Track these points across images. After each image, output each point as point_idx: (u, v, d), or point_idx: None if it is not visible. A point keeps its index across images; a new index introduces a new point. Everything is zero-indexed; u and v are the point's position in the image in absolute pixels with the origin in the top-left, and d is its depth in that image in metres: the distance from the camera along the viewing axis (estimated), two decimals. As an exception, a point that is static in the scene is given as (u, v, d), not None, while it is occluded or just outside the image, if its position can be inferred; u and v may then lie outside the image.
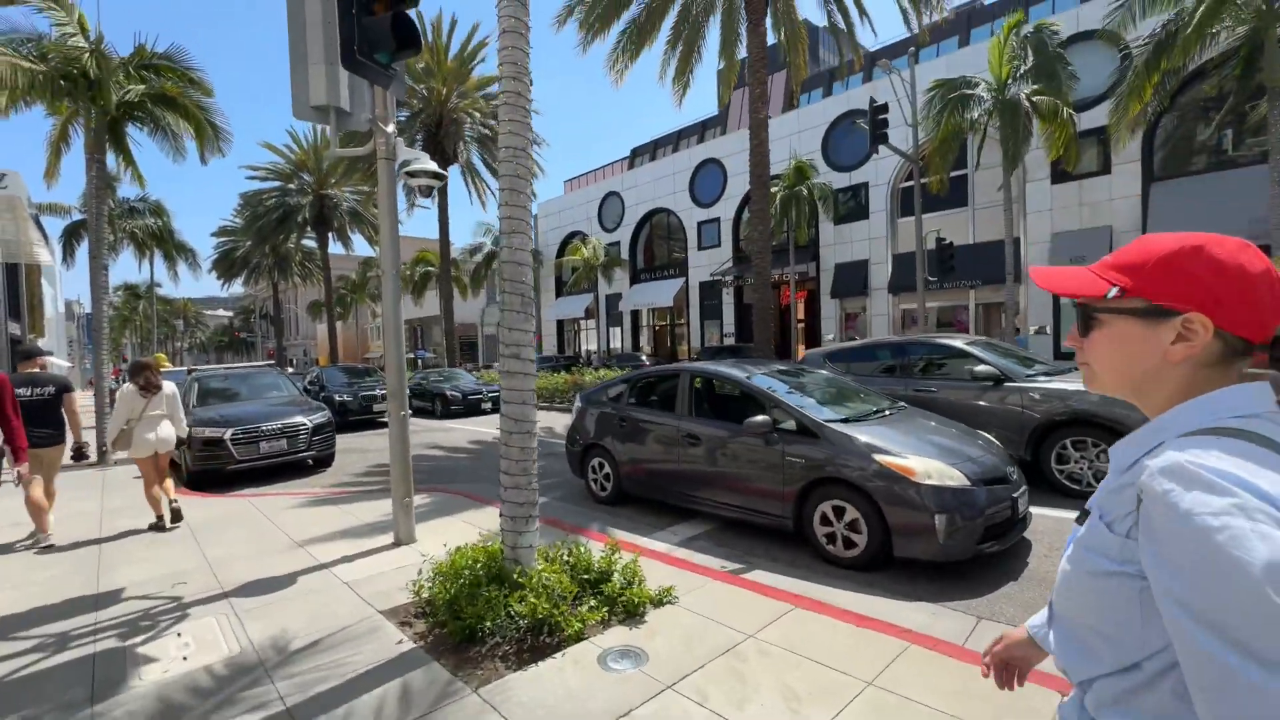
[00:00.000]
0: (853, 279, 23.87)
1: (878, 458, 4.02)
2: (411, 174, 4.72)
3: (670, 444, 5.38)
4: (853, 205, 23.77)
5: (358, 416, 13.45)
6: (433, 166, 4.77)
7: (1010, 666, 1.12)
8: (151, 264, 31.89)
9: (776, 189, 22.33)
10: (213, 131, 10.51)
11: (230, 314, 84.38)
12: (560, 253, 37.64)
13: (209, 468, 7.77)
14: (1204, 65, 13.70)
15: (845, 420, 4.54)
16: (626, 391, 6.07)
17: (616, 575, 3.50)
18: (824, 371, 6.28)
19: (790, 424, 4.56)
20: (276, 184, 30.52)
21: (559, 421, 13.02)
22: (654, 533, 5.20)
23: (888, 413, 4.87)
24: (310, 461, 8.79)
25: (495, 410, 13.91)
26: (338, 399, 13.34)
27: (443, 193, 22.62)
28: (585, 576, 3.49)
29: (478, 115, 21.43)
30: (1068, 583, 0.80)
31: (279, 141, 30.10)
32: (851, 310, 24.81)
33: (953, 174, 20.39)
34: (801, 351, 26.33)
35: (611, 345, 34.78)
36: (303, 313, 63.72)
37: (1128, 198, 17.86)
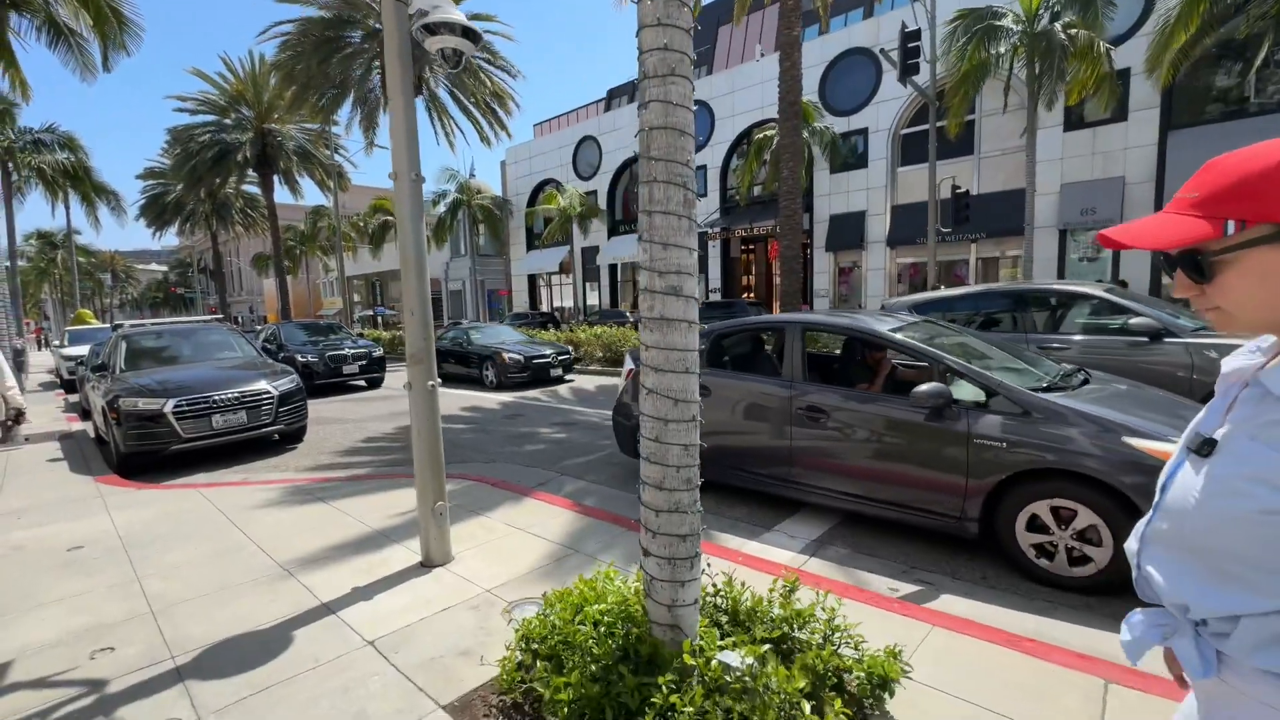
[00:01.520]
0: (849, 231, 22.79)
1: (1133, 441, 2.85)
2: (430, 29, 3.15)
3: (776, 418, 4.12)
4: (851, 153, 22.44)
5: (325, 380, 11.71)
6: (460, 17, 3.20)
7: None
8: (67, 207, 28.27)
9: (772, 131, 20.82)
10: (116, 21, 8.30)
11: (165, 268, 78.20)
12: (531, 202, 35.33)
13: (145, 449, 6.13)
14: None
15: (1047, 390, 3.36)
16: (703, 350, 4.72)
17: (818, 628, 2.25)
18: (944, 325, 5.06)
19: (975, 395, 3.35)
20: (210, 118, 27.05)
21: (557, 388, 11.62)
22: (759, 533, 3.99)
23: (1083, 380, 3.71)
24: (276, 437, 7.21)
25: (562, 380, 11.94)
26: (300, 360, 11.55)
27: (407, 128, 20.13)
28: (766, 632, 2.22)
29: (446, 38, 18.88)
30: (1214, 518, 0.73)
31: (211, 69, 26.41)
32: (845, 264, 23.84)
33: (933, 125, 19.33)
34: (765, 307, 25.42)
35: (588, 301, 33.13)
36: (247, 266, 59.26)
37: (1143, 147, 17.11)
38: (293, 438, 7.57)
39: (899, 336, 3.76)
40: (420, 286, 3.28)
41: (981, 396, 3.33)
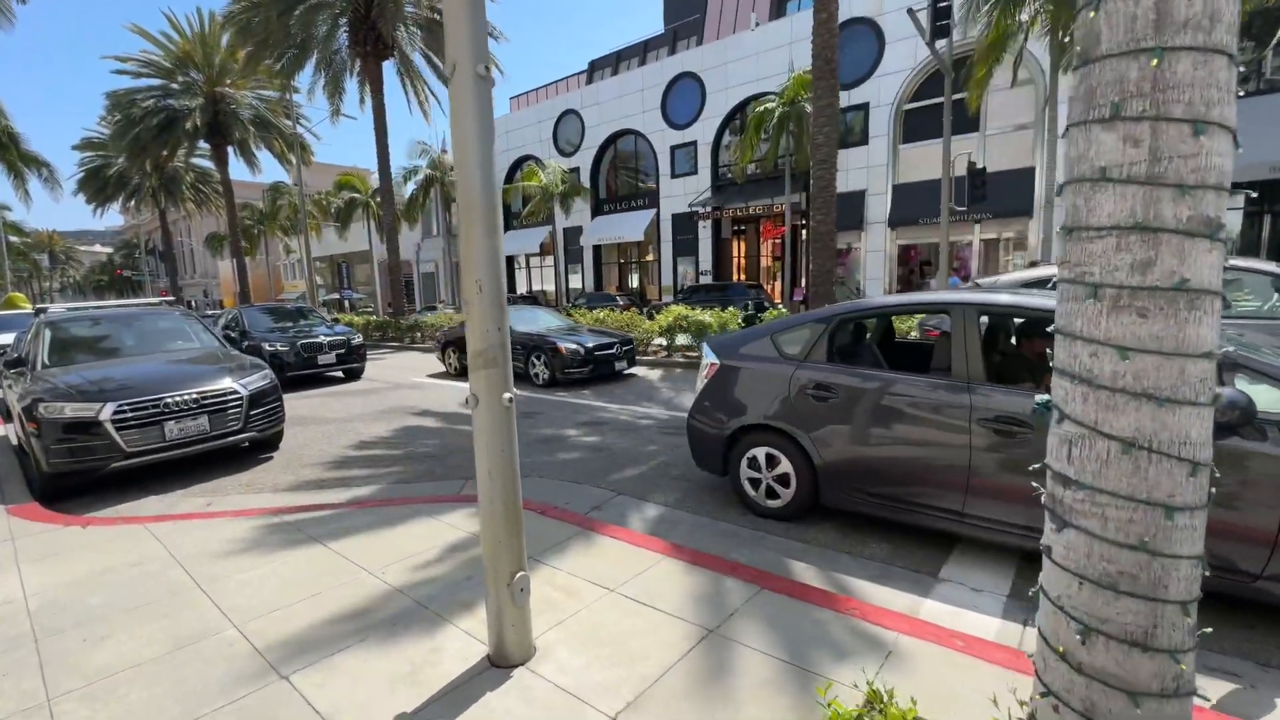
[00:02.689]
0: (848, 211, 21.86)
1: None
2: None
3: (944, 431, 3.09)
4: (851, 129, 21.51)
5: (297, 372, 10.28)
6: None
7: None
8: (-9, 179, 25.48)
9: (773, 104, 19.75)
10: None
11: (110, 250, 73.41)
12: (508, 179, 33.57)
13: (76, 468, 4.79)
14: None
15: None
16: (819, 339, 3.67)
17: None
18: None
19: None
20: (155, 82, 24.57)
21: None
22: (926, 584, 2.99)
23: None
24: (246, 444, 5.90)
25: (620, 375, 9.90)
26: (268, 349, 10.09)
27: (376, 87, 18.45)
28: None
29: (423, -7, 17.12)
30: None
31: (153, 27, 23.52)
32: (843, 245, 23.01)
33: (960, 96, 18.56)
34: (774, 292, 24.56)
35: (570, 284, 31.75)
36: (200, 247, 55.76)
37: (1157, 123, 16.58)
38: (266, 444, 6.28)
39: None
40: (491, 247, 2.12)
41: (1294, 407, 2.35)
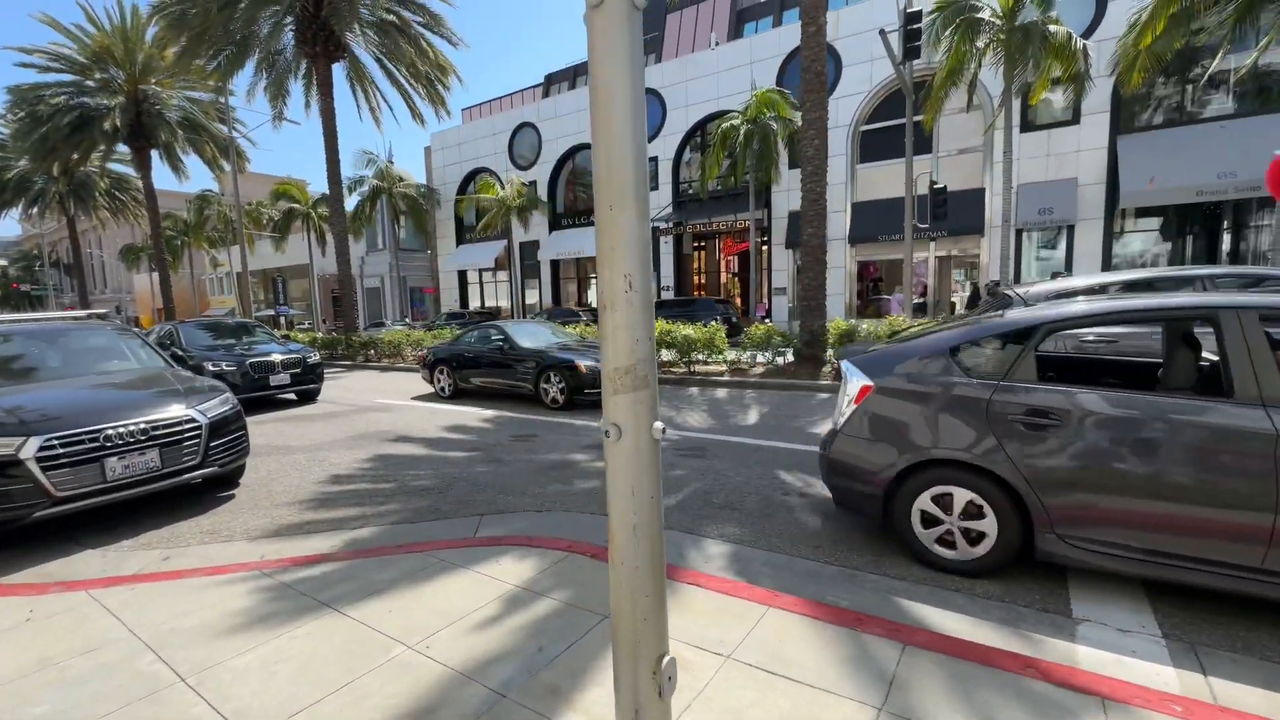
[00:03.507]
0: (808, 228, 22.26)
1: None
2: None
3: (1234, 465, 2.57)
4: (810, 147, 21.92)
5: (247, 394, 9.14)
6: None
7: None
8: None
9: (738, 121, 19.89)
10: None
11: (3, 262, 66.53)
12: (461, 192, 32.57)
13: (-10, 518, 3.86)
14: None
15: None
16: (1024, 354, 3.07)
17: None
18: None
19: None
20: (68, 78, 22.36)
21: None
22: (1069, 627, 2.63)
23: None
24: (199, 480, 5.00)
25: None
26: (211, 369, 8.96)
27: (326, 90, 17.37)
28: None
29: (379, -10, 16.23)
30: None
31: (67, 19, 21.03)
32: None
33: (898, 121, 19.30)
34: (734, 305, 24.65)
35: (526, 299, 30.88)
36: (111, 259, 51.33)
37: (1095, 149, 17.66)
38: (225, 480, 5.39)
39: None
40: (643, 235, 1.62)
41: None
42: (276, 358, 9.64)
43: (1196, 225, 17.92)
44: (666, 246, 25.80)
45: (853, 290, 22.49)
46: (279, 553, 3.84)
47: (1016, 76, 14.53)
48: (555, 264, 29.91)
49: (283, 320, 35.34)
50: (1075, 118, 17.86)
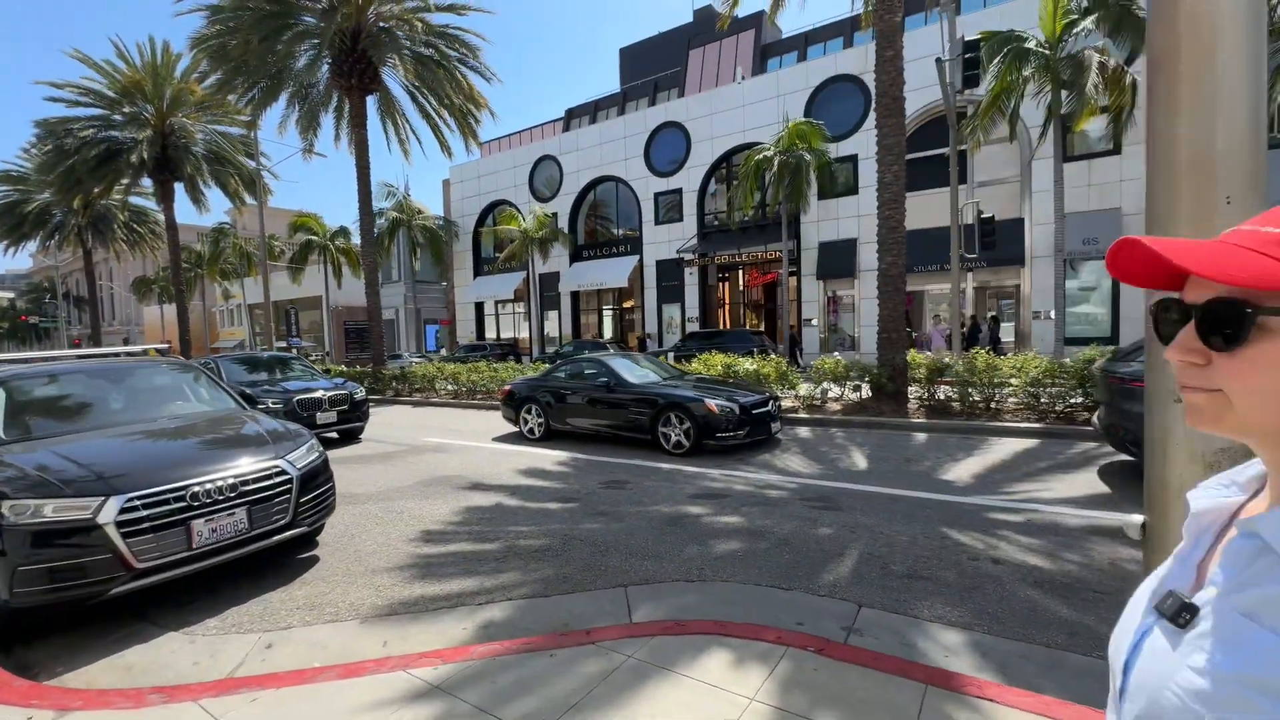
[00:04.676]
0: (840, 259, 21.99)
1: None
2: None
3: None
4: (840, 179, 21.77)
5: (292, 434, 8.55)
6: None
7: None
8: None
9: (771, 153, 19.71)
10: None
11: (11, 294, 66.46)
12: (480, 223, 32.47)
13: (54, 599, 3.21)
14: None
15: None
16: None
17: None
18: None
19: None
20: (96, 112, 22.35)
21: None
22: None
23: None
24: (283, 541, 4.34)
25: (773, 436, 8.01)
26: (259, 407, 8.36)
27: (360, 122, 17.22)
28: None
29: (418, 26, 16.19)
30: None
31: (98, 55, 21.35)
32: (838, 294, 22.98)
33: (938, 151, 19.18)
34: (767, 337, 24.12)
35: (546, 332, 30.43)
36: (121, 291, 51.22)
37: (1138, 179, 17.37)
38: (304, 538, 4.74)
39: None
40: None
41: None
42: (322, 394, 9.05)
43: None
44: (692, 278, 25.49)
45: (887, 322, 22.04)
46: (404, 639, 3.19)
47: (1067, 104, 14.30)
48: (575, 295, 29.56)
49: (296, 352, 34.89)
50: (1117, 148, 17.67)
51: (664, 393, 7.72)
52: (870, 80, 21.10)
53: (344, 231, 32.89)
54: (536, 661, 2.77)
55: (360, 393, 9.61)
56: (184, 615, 3.62)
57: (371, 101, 18.81)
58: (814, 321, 22.64)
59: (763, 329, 25.51)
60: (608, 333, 29.78)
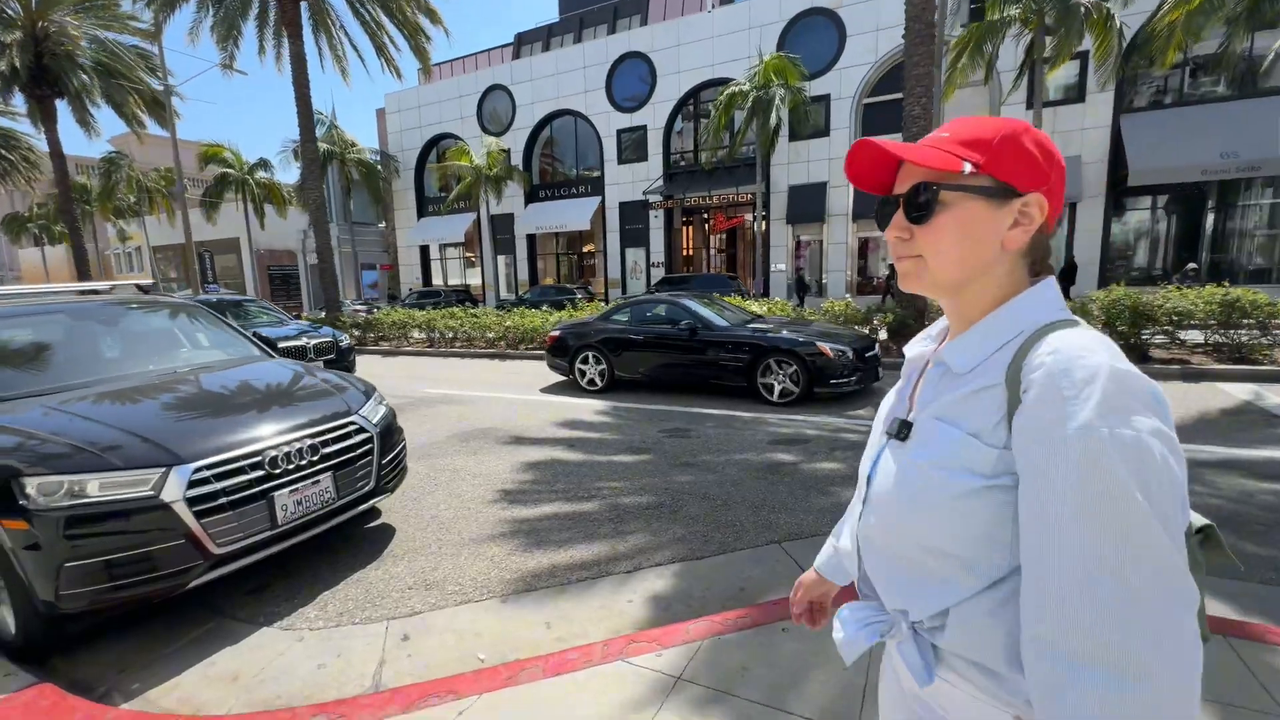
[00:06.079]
0: (809, 203, 21.79)
1: None
2: None
3: None
4: (811, 119, 21.31)
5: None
6: None
7: (813, 607, 1.09)
8: None
9: (746, 88, 18.90)
10: None
11: None
12: (422, 160, 30.01)
13: (125, 596, 2.48)
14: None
15: None
16: None
17: None
18: None
19: None
20: (-57, 5, 18.40)
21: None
22: None
23: None
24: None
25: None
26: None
27: (295, 30, 15.08)
28: None
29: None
30: (908, 509, 0.73)
31: None
32: (806, 238, 22.93)
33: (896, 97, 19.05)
34: (743, 281, 23.93)
35: (499, 277, 28.97)
36: (-10, 231, 44.46)
37: (1099, 128, 17.98)
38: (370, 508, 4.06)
39: None
40: None
41: None
42: (306, 341, 8.01)
43: (1192, 203, 18.47)
44: (657, 221, 24.68)
45: (855, 268, 22.30)
46: (566, 619, 2.71)
47: (1051, 46, 14.33)
48: (532, 239, 28.15)
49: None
50: (1081, 95, 18.10)
51: (766, 336, 6.90)
52: (845, 14, 20.62)
53: (265, 164, 29.50)
54: (764, 635, 2.37)
55: (345, 340, 8.61)
56: (265, 604, 2.96)
57: (303, 10, 16.45)
58: (781, 267, 22.56)
59: (730, 274, 25.27)
60: (567, 275, 28.65)
